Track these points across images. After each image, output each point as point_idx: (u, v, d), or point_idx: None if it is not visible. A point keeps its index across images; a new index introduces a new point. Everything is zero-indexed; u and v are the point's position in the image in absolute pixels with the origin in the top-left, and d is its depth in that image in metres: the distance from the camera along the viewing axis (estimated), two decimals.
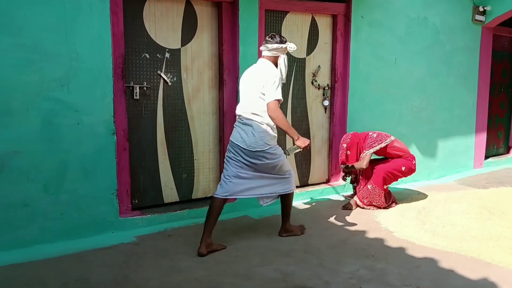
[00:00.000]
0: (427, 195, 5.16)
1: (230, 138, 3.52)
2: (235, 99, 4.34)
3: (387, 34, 5.30)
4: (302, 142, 3.50)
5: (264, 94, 3.41)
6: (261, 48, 3.57)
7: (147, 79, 4.05)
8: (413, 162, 4.67)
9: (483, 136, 6.68)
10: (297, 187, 5.03)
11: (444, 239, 3.77)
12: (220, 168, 4.50)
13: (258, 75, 3.46)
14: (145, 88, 4.04)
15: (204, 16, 4.29)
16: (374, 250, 3.54)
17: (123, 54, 3.77)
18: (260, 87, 3.41)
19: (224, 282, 2.96)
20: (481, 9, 6.15)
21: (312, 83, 5.01)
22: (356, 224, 4.14)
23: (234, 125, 3.57)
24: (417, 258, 3.41)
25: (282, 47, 3.49)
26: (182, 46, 4.20)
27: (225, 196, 3.45)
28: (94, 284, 2.91)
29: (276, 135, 3.54)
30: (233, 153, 3.47)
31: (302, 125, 5.01)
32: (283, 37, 3.52)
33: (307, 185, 5.16)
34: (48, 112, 3.42)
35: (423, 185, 5.70)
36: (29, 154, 3.37)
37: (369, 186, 4.57)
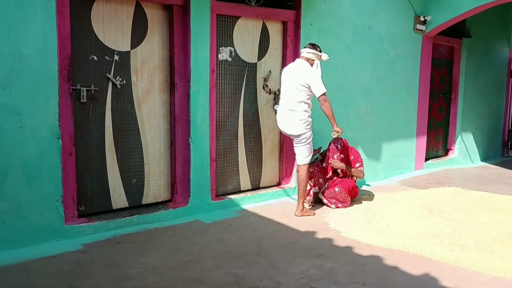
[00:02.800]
0: (373, 196, 5.38)
1: (280, 127, 4.63)
2: (187, 103, 4.32)
3: (334, 41, 5.48)
4: (339, 128, 4.51)
5: (305, 87, 4.38)
6: (302, 49, 4.57)
7: (94, 81, 3.94)
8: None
9: (424, 139, 7.05)
10: (248, 190, 5.08)
11: (388, 237, 3.94)
12: (171, 172, 4.46)
13: (300, 71, 4.42)
14: (92, 91, 3.92)
15: (155, 19, 4.24)
16: (323, 250, 3.64)
17: (69, 55, 3.65)
18: (302, 81, 4.37)
19: (176, 287, 2.94)
20: (422, 18, 6.50)
21: (263, 87, 5.08)
22: (305, 225, 4.24)
23: (278, 112, 4.60)
24: (364, 256, 3.55)
25: (318, 54, 4.51)
26: (132, 48, 4.13)
27: None
28: None
29: (311, 120, 4.51)
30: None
31: (254, 129, 5.07)
32: (319, 47, 4.54)
33: (259, 188, 5.22)
34: None
35: (368, 187, 5.93)
36: None
37: (336, 189, 4.84)
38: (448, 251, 3.65)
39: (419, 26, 6.51)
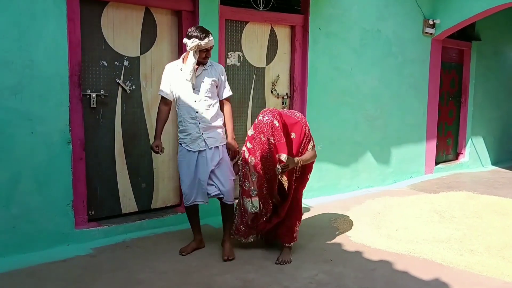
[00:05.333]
0: (382, 200, 5.34)
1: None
2: None
3: (343, 45, 5.48)
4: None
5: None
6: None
7: (104, 87, 3.98)
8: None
9: (433, 143, 6.99)
10: None
11: (398, 242, 3.91)
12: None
13: None
14: (102, 96, 3.96)
15: (164, 24, 4.28)
16: (332, 255, 3.63)
17: (79, 61, 3.70)
18: None
19: None
20: (430, 22, 6.47)
21: (272, 92, 5.09)
22: (314, 230, 4.22)
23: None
24: (373, 261, 3.53)
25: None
26: (141, 54, 4.17)
27: None
28: None
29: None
30: None
31: None
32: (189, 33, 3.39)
33: None
34: (0, 122, 3.29)
35: (377, 191, 5.89)
36: None
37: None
38: (459, 256, 3.61)
39: (428, 30, 6.48)
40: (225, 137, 3.63)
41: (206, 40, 3.34)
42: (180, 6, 4.23)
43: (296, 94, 5.22)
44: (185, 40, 3.41)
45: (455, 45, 7.36)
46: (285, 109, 3.78)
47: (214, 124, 3.52)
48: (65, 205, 3.63)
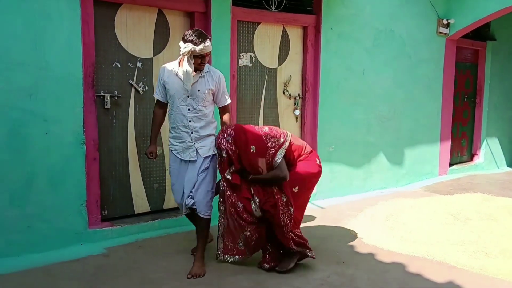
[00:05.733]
0: (395, 202, 5.29)
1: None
2: None
3: (355, 45, 5.45)
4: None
5: None
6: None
7: (118, 88, 4.02)
8: (317, 162, 3.45)
9: (448, 144, 6.91)
10: None
11: (411, 244, 3.88)
12: None
13: None
14: (116, 98, 4.00)
15: (177, 25, 4.30)
16: (344, 256, 3.60)
17: (93, 63, 3.74)
18: None
19: None
20: (445, 22, 6.40)
21: (284, 92, 5.09)
22: (326, 231, 4.20)
23: None
24: (386, 263, 3.50)
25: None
26: (154, 55, 4.20)
27: None
28: None
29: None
30: None
31: None
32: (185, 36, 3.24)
33: None
34: (16, 122, 3.35)
35: (390, 192, 5.84)
36: None
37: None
38: (473, 258, 3.56)
39: (442, 30, 6.42)
40: None
41: (201, 46, 3.13)
42: (192, 7, 4.25)
43: (308, 95, 5.20)
44: (180, 43, 3.20)
45: (470, 45, 7.27)
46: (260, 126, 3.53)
47: (207, 133, 3.35)
48: (79, 205, 3.67)
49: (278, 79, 5.04)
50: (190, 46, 3.12)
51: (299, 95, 5.20)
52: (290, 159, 3.31)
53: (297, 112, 5.18)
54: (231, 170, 3.21)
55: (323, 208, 4.99)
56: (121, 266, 3.33)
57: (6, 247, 3.36)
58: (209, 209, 3.34)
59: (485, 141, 7.78)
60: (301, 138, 5.26)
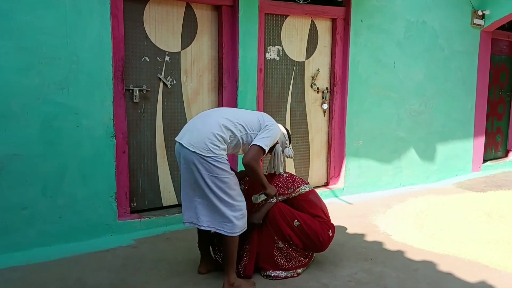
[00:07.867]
0: (426, 199, 5.17)
1: None
2: (235, 102, 4.35)
3: (386, 38, 5.32)
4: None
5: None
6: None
7: (146, 82, 4.06)
8: (329, 233, 3.14)
9: (481, 140, 6.69)
10: None
11: (442, 242, 3.78)
12: None
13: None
14: (144, 91, 4.05)
15: (204, 19, 4.31)
16: (372, 253, 3.55)
17: (123, 57, 3.78)
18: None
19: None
20: (480, 13, 6.17)
21: (311, 86, 5.03)
22: (354, 227, 4.14)
23: None
24: (415, 261, 3.42)
25: (286, 142, 3.32)
26: (182, 49, 4.22)
27: None
28: (92, 287, 2.92)
29: None
30: None
31: (301, 128, 5.03)
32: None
33: None
34: (48, 115, 3.43)
35: (421, 189, 5.71)
36: (28, 157, 3.38)
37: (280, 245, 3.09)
38: (507, 258, 3.44)
39: (476, 21, 6.19)
40: None
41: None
42: (220, 1, 4.24)
43: (337, 89, 5.12)
44: (285, 137, 3.25)
45: (506, 37, 7.00)
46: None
47: None
48: (108, 197, 3.74)
49: (306, 72, 4.98)
50: (288, 145, 3.29)
51: (327, 88, 5.13)
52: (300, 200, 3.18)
53: (325, 106, 5.11)
54: None
55: (351, 204, 4.92)
56: (149, 258, 3.38)
57: (38, 237, 3.47)
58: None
59: None
60: (328, 132, 5.20)
